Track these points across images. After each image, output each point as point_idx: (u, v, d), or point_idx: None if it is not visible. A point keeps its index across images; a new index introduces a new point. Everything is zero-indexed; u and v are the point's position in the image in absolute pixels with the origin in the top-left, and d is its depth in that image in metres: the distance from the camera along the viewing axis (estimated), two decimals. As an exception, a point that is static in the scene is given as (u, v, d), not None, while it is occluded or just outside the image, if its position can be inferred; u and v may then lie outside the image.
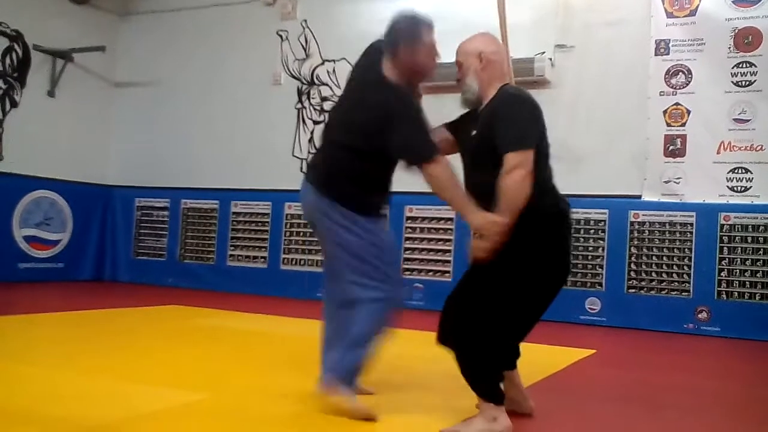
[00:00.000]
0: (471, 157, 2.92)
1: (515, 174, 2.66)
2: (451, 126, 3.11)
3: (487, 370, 2.76)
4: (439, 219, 7.42)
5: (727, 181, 6.54)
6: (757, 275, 6.29)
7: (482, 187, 2.77)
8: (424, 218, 7.46)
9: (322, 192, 2.95)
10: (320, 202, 2.95)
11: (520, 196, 2.67)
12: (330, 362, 2.93)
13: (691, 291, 6.47)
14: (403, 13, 3.01)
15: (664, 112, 6.80)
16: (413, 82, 3.00)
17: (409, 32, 2.94)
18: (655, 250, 6.65)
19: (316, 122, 8.42)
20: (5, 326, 4.97)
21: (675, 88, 6.77)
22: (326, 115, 8.39)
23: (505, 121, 2.74)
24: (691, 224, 6.54)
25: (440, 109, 3.30)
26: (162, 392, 3.16)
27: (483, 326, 2.72)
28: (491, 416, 2.73)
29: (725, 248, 6.40)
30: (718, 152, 6.58)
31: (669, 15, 6.81)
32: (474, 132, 2.87)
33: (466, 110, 3.03)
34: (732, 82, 6.56)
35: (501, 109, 2.79)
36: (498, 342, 2.77)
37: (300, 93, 8.55)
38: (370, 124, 2.86)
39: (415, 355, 4.44)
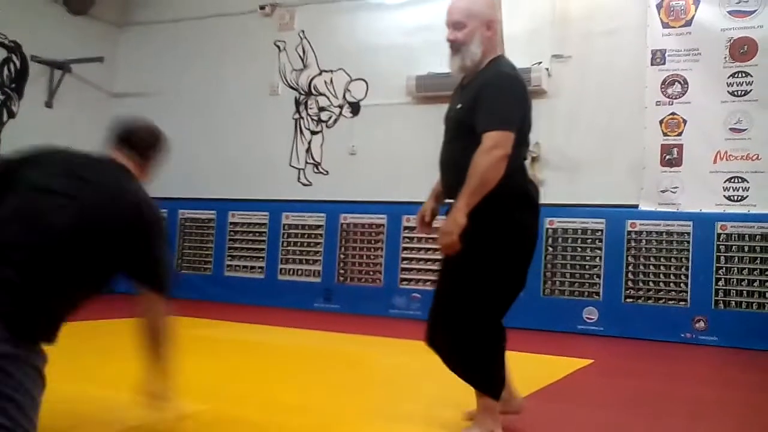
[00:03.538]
0: (452, 128, 2.82)
1: (493, 154, 2.57)
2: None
3: (481, 356, 2.71)
4: (437, 229, 7.42)
5: (724, 191, 6.55)
6: (754, 284, 6.29)
7: (457, 159, 2.71)
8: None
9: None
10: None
11: (494, 177, 2.58)
12: None
13: (689, 300, 6.48)
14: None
15: (661, 121, 6.82)
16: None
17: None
18: (652, 259, 6.65)
19: (313, 132, 8.44)
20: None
21: (671, 98, 6.79)
22: (323, 125, 8.42)
23: (493, 100, 2.65)
24: (688, 233, 6.54)
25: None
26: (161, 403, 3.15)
27: (470, 312, 2.67)
28: (487, 428, 2.70)
29: (722, 257, 6.41)
30: (714, 162, 6.60)
31: (665, 25, 6.84)
32: (459, 105, 2.78)
33: (459, 75, 2.89)
34: (728, 91, 6.58)
35: (491, 86, 2.69)
36: (487, 325, 2.71)
37: (297, 103, 8.57)
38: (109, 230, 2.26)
39: (411, 365, 4.44)
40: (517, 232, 2.72)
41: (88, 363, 4.09)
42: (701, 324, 6.40)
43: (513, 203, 2.70)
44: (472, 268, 2.68)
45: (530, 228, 2.81)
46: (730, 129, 6.57)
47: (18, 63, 8.31)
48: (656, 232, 6.66)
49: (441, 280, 2.89)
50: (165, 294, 2.39)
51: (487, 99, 2.66)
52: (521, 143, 2.77)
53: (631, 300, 6.68)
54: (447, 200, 2.94)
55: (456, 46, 2.77)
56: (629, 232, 6.75)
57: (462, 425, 2.86)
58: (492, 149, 2.58)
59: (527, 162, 2.96)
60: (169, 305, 2.42)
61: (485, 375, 2.73)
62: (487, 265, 2.68)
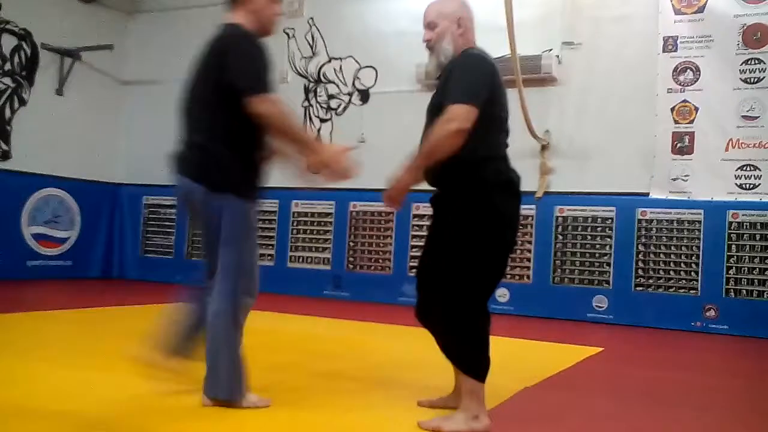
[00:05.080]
0: (432, 114, 2.94)
1: (448, 126, 2.69)
2: None
3: (467, 339, 2.78)
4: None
5: (736, 179, 6.51)
6: (766, 273, 6.26)
7: None
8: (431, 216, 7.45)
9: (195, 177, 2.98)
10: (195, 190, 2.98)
11: (445, 148, 2.70)
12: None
13: (699, 289, 6.46)
14: None
15: (672, 109, 6.77)
16: (263, 29, 3.09)
17: None
18: (662, 247, 6.63)
19: (323, 120, 8.43)
20: (14, 323, 5.00)
21: (683, 85, 6.74)
22: (332, 113, 8.41)
23: (458, 76, 2.79)
24: (699, 222, 6.52)
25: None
26: (171, 388, 3.17)
27: (456, 295, 2.76)
28: (472, 414, 2.73)
29: (733, 246, 6.38)
30: (726, 149, 6.56)
31: (677, 12, 6.78)
32: (435, 91, 2.94)
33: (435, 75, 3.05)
34: (740, 78, 6.53)
35: (459, 65, 2.84)
36: (471, 308, 2.78)
37: (307, 91, 8.56)
38: (211, 66, 2.95)
39: (420, 352, 4.45)
40: (497, 218, 2.79)
41: (108, 347, 4.12)
42: (712, 312, 6.38)
43: (495, 190, 2.78)
44: (457, 252, 2.77)
45: (511, 215, 2.87)
46: (743, 116, 6.52)
47: (28, 51, 8.33)
48: (667, 221, 6.63)
49: (428, 263, 3.00)
50: (255, 92, 2.78)
51: (454, 76, 2.80)
52: (500, 130, 2.88)
53: (641, 288, 6.66)
54: (432, 187, 3.04)
55: (430, 45, 2.95)
56: (640, 221, 6.72)
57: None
58: (448, 122, 2.70)
59: (538, 149, 3.00)
60: (276, 100, 2.81)
61: (470, 357, 2.79)
62: (469, 249, 2.76)
